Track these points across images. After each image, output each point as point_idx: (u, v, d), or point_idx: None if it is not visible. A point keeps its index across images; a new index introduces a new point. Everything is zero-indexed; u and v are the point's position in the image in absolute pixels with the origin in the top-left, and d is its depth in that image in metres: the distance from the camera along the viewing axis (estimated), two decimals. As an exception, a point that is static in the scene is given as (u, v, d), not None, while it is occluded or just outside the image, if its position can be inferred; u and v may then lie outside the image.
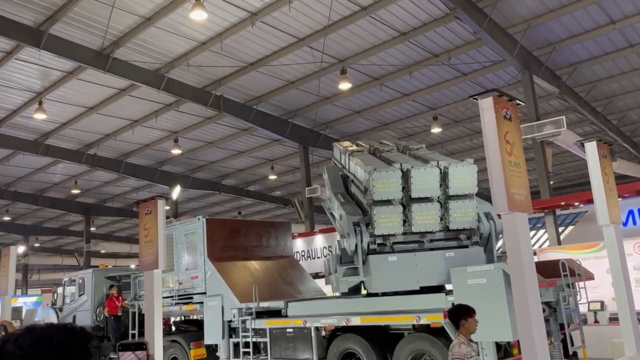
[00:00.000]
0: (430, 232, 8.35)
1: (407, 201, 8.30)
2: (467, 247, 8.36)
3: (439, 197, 8.33)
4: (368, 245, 8.32)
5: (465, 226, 8.28)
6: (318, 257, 19.37)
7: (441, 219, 8.30)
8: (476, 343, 5.64)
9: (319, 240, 19.84)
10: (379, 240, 8.33)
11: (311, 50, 14.91)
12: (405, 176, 8.23)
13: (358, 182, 9.38)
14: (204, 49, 14.61)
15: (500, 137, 5.69)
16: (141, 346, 1.98)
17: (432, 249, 8.42)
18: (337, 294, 10.58)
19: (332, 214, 10.37)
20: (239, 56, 15.32)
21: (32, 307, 24.61)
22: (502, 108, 5.88)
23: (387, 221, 8.19)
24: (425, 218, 8.25)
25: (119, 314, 13.80)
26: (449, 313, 5.37)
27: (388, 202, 8.27)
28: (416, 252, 8.36)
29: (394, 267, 8.21)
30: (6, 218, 32.21)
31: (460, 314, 4.96)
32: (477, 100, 5.93)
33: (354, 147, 10.95)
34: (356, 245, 8.21)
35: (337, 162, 11.39)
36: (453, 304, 7.38)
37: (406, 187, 8.25)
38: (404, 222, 8.26)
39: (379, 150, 10.25)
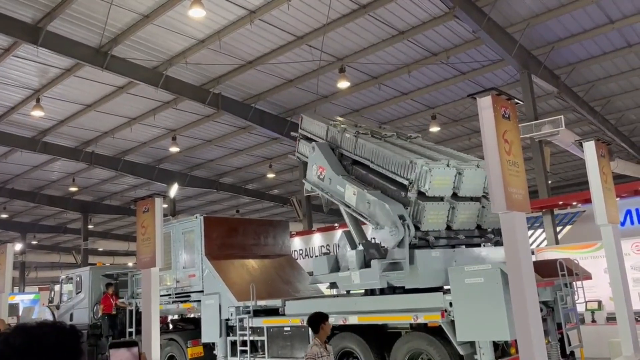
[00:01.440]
0: (468, 230, 8.67)
1: (453, 199, 8.44)
2: (499, 244, 8.47)
3: (479, 197, 8.70)
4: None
5: (495, 226, 8.63)
6: (316, 256, 19.37)
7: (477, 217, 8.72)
8: (328, 344, 6.13)
9: (317, 239, 19.83)
10: (419, 235, 8.23)
11: (310, 48, 14.89)
12: (457, 175, 8.38)
13: (381, 169, 8.92)
14: (203, 47, 14.58)
15: (498, 136, 5.68)
16: (133, 344, 1.96)
17: (467, 245, 8.68)
18: (334, 292, 10.60)
19: (337, 200, 9.56)
20: (237, 54, 15.29)
21: (30, 305, 24.56)
22: (500, 107, 5.87)
23: (435, 217, 8.23)
24: (467, 216, 8.57)
25: (114, 312, 13.78)
26: (310, 319, 5.95)
27: (439, 198, 8.32)
28: (455, 248, 8.51)
29: (436, 262, 8.15)
30: (3, 215, 32.13)
31: (320, 320, 5.75)
32: (475, 99, 5.93)
33: (351, 126, 10.36)
34: (402, 240, 7.98)
35: (318, 138, 10.64)
36: (451, 303, 7.39)
37: (454, 185, 8.39)
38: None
39: (378, 134, 9.93)
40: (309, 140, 10.85)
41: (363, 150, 9.46)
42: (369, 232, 9.39)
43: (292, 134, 12.34)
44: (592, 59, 16.25)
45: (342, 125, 10.36)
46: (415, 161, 8.20)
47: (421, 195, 8.21)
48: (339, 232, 19.00)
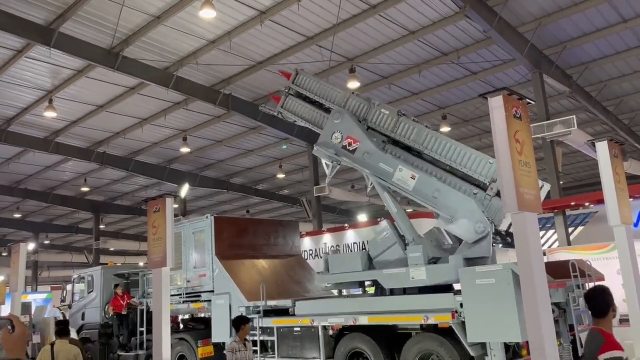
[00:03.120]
0: None
1: None
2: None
3: None
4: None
5: None
6: (326, 253, 19.36)
7: None
8: (246, 342, 7.46)
9: (327, 239, 19.82)
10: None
11: (320, 49, 14.89)
12: None
13: (443, 159, 8.61)
14: (213, 48, 14.64)
15: (510, 136, 5.64)
16: None
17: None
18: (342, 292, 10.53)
19: (375, 178, 8.99)
20: (247, 55, 15.34)
21: (42, 304, 24.77)
22: (512, 107, 5.83)
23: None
24: None
25: (123, 312, 13.86)
26: (234, 321, 7.73)
27: None
28: (508, 248, 8.48)
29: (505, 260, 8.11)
30: (17, 215, 32.50)
31: (241, 322, 7.52)
32: (486, 99, 5.89)
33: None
34: (487, 235, 7.82)
35: (329, 103, 9.93)
36: (461, 304, 7.35)
37: None
38: None
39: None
40: (309, 100, 10.33)
41: (409, 132, 8.97)
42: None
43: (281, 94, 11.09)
44: (604, 58, 16.10)
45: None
46: (491, 161, 8.03)
47: (497, 195, 7.93)
48: (349, 233, 19.04)
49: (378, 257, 8.95)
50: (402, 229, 8.87)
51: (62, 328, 7.22)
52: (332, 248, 19.32)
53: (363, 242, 18.09)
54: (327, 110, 10.05)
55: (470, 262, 7.81)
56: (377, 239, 9.12)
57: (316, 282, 10.91)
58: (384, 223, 9.28)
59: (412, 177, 8.60)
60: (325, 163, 9.84)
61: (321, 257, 19.38)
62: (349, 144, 9.26)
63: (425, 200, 8.51)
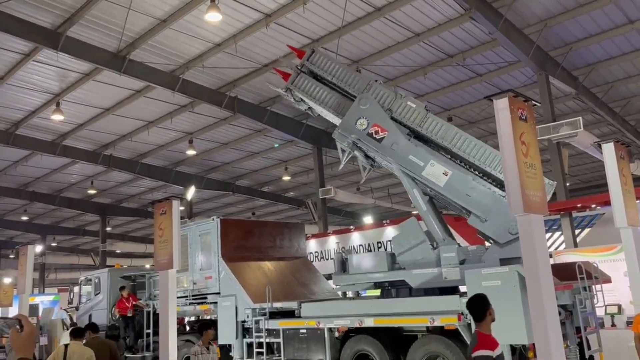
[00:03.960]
0: None
1: None
2: None
3: None
4: None
5: None
6: (331, 258, 19.35)
7: None
8: (211, 345, 8.06)
9: (332, 242, 19.81)
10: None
11: (325, 51, 14.91)
12: None
13: (473, 159, 8.45)
14: (219, 51, 14.70)
15: (515, 138, 5.65)
16: None
17: None
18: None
19: (400, 170, 8.70)
20: (253, 57, 15.39)
21: (49, 306, 24.92)
22: (517, 109, 5.84)
23: None
24: None
25: (129, 314, 13.90)
26: (199, 326, 8.32)
27: None
28: None
29: None
30: (24, 218, 32.70)
31: (204, 328, 8.05)
32: (492, 101, 5.90)
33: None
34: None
35: (348, 87, 9.60)
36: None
37: None
38: None
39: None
40: (322, 81, 9.89)
41: (437, 128, 8.79)
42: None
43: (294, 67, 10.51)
44: (611, 59, 16.04)
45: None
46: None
47: None
48: (354, 235, 19.02)
49: (402, 255, 8.73)
50: (431, 228, 8.69)
51: (76, 330, 7.34)
52: (343, 249, 19.29)
53: (369, 244, 18.09)
54: (344, 95, 9.71)
55: (503, 262, 7.72)
56: (402, 237, 8.87)
57: (333, 284, 10.45)
58: (412, 220, 9.05)
59: (445, 174, 8.43)
60: (342, 149, 9.41)
61: (331, 259, 19.39)
62: (376, 132, 8.93)
63: (456, 198, 8.38)
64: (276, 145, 22.72)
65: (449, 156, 8.80)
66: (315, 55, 10.12)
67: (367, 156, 9.45)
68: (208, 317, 12.34)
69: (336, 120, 9.78)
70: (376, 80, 9.65)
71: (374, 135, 8.95)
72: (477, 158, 8.43)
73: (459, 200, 8.35)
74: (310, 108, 10.63)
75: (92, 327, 7.97)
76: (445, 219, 9.40)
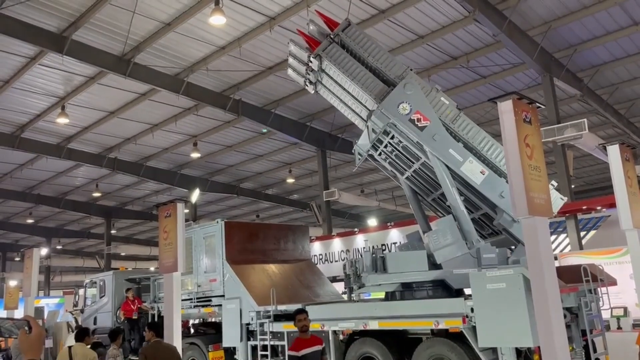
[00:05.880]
0: None
1: None
2: None
3: None
4: None
5: None
6: (335, 261, 19.35)
7: None
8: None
9: (337, 244, 19.82)
10: None
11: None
12: None
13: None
14: (223, 54, 14.74)
15: (520, 141, 5.64)
16: None
17: None
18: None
19: (438, 162, 8.55)
20: (257, 60, 15.42)
21: (55, 309, 24.98)
22: (522, 111, 5.83)
23: None
24: None
25: (134, 317, 13.93)
26: (110, 332, 8.73)
27: None
28: None
29: None
30: (29, 221, 32.81)
31: (118, 333, 8.53)
32: (496, 103, 5.89)
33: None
34: None
35: (386, 70, 9.14)
36: (472, 309, 7.32)
37: None
38: None
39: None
40: (356, 56, 9.32)
41: (467, 128, 8.79)
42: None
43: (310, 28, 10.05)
44: (615, 61, 15.99)
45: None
46: None
47: None
48: (359, 237, 19.01)
49: (438, 251, 8.57)
50: (467, 227, 8.58)
51: (80, 332, 7.38)
52: (342, 253, 19.30)
53: (374, 247, 18.05)
54: (377, 75, 9.29)
55: None
56: (440, 233, 8.67)
57: (368, 283, 9.41)
58: (449, 217, 8.88)
59: (482, 172, 8.49)
60: (373, 129, 9.03)
61: (331, 263, 19.38)
62: (418, 120, 8.67)
63: (490, 197, 8.53)
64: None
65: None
66: (351, 28, 9.54)
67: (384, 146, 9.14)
68: (213, 320, 12.38)
69: (363, 98, 9.34)
70: (411, 69, 9.36)
71: (416, 122, 8.68)
72: (502, 165, 8.49)
73: (493, 199, 8.50)
74: (318, 87, 10.10)
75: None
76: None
